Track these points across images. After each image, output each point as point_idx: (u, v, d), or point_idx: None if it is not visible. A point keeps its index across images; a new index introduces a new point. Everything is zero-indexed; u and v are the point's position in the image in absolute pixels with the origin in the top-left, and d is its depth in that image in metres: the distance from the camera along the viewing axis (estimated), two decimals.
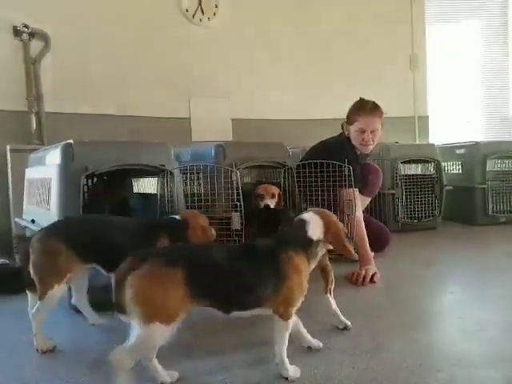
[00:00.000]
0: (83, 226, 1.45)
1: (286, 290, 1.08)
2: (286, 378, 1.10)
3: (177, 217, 1.60)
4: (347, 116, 2.25)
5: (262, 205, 2.08)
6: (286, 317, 1.09)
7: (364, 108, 2.18)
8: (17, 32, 2.88)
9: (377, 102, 2.31)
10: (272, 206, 2.08)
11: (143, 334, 0.98)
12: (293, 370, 1.11)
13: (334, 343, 1.32)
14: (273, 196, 2.12)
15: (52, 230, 1.39)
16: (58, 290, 1.34)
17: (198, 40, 3.59)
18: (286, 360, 1.11)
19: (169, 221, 1.61)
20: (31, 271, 1.34)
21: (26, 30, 2.89)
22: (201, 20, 3.61)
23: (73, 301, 1.55)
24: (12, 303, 1.87)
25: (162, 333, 0.99)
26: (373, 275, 1.99)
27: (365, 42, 4.08)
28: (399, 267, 2.27)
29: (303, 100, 3.97)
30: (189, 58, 3.54)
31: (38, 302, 1.34)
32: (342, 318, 1.41)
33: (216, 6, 3.65)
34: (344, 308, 1.46)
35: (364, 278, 1.97)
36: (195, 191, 2.13)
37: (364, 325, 1.46)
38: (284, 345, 1.11)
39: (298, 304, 1.12)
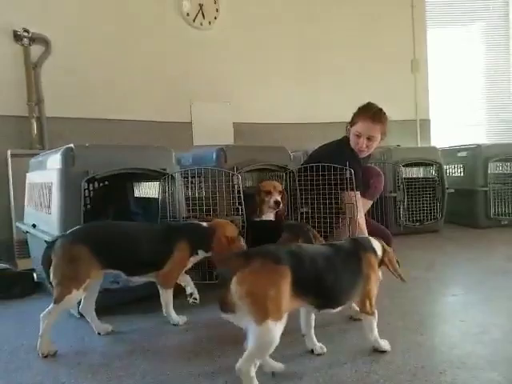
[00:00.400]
0: (105, 232, 1.48)
1: (369, 286, 1.20)
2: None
3: (204, 224, 1.61)
4: (351, 117, 2.25)
5: (270, 201, 2.05)
6: (371, 312, 1.22)
7: (366, 113, 2.17)
8: (17, 37, 2.89)
9: (378, 105, 2.30)
10: (281, 204, 2.06)
11: (260, 333, 0.99)
12: (386, 344, 1.25)
13: (337, 346, 1.31)
14: (280, 192, 2.10)
15: (75, 235, 1.41)
16: (75, 295, 1.36)
17: (199, 44, 3.60)
18: (379, 339, 1.25)
19: (192, 226, 1.63)
20: (51, 274, 1.36)
21: (27, 34, 2.90)
22: (201, 24, 3.62)
23: (80, 308, 1.54)
24: (13, 307, 1.87)
25: (276, 330, 0.99)
26: None
27: (366, 46, 4.08)
28: (401, 270, 2.25)
29: (304, 103, 3.98)
30: (190, 62, 3.55)
31: (52, 305, 1.35)
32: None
33: (217, 10, 3.66)
34: (346, 310, 1.45)
35: None
36: (197, 195, 2.12)
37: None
38: (375, 330, 1.24)
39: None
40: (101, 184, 2.43)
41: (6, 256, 2.54)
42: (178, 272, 1.56)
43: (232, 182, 2.01)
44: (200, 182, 2.13)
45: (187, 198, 2.05)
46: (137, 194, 2.42)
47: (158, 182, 2.02)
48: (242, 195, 1.93)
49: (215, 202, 2.01)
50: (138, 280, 1.59)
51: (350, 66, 4.03)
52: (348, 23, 4.07)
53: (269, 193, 2.08)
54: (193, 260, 1.59)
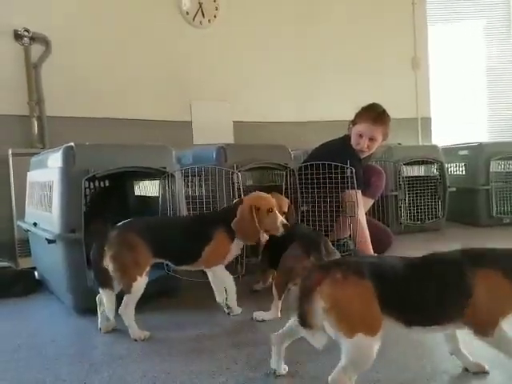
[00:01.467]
0: (153, 223, 1.60)
1: (486, 307, 0.99)
2: None
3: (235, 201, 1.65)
4: (354, 117, 2.25)
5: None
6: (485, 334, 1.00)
7: (369, 114, 2.17)
8: (18, 36, 2.89)
9: (378, 103, 2.30)
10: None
11: (351, 349, 0.94)
12: None
13: (337, 345, 1.31)
14: (284, 212, 1.83)
15: (127, 227, 1.49)
16: (140, 282, 1.42)
17: (199, 42, 3.59)
18: None
19: (226, 209, 1.67)
20: (110, 266, 1.40)
21: (27, 34, 2.90)
22: (201, 23, 3.61)
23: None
24: (15, 306, 1.87)
25: (370, 344, 0.93)
26: None
27: (366, 44, 4.07)
28: None
29: (305, 102, 3.97)
30: (190, 61, 3.55)
31: (126, 296, 1.41)
32: None
33: (216, 9, 3.65)
34: None
35: None
36: (197, 193, 2.12)
37: None
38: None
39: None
40: (101, 182, 2.43)
41: (7, 254, 2.54)
42: (217, 256, 1.56)
43: (232, 180, 2.01)
44: (200, 181, 2.13)
45: (187, 197, 2.05)
46: (137, 192, 2.42)
47: (158, 181, 2.02)
48: (242, 193, 1.93)
49: (215, 201, 2.01)
50: (187, 269, 1.66)
51: (350, 63, 4.02)
52: (348, 21, 4.06)
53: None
54: (236, 246, 1.58)
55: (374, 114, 2.16)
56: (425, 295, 0.99)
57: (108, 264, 1.41)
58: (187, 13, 3.54)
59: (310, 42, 3.99)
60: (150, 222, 1.61)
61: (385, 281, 0.98)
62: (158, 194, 2.05)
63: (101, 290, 1.44)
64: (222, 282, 1.58)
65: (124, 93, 3.27)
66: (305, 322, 0.96)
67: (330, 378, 0.95)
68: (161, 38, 3.43)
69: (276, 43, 3.87)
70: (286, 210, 1.86)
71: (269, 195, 1.62)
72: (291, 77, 3.94)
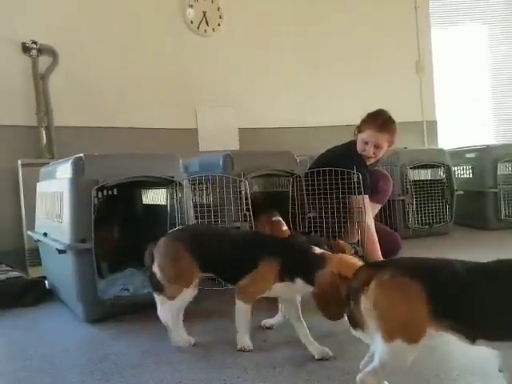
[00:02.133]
0: (203, 235, 1.48)
1: None
2: None
3: (316, 250, 1.31)
4: (360, 123, 2.25)
5: None
6: None
7: (375, 121, 2.16)
8: (26, 48, 2.94)
9: (383, 107, 2.30)
10: None
11: (387, 352, 0.89)
12: None
13: (347, 352, 1.30)
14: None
15: (176, 236, 1.44)
16: (187, 293, 1.38)
17: (204, 51, 3.62)
18: None
19: (295, 245, 1.42)
20: (158, 274, 1.38)
21: (35, 46, 2.95)
22: (205, 31, 3.65)
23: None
24: (26, 315, 1.89)
25: (406, 352, 0.89)
26: None
27: (369, 49, 4.08)
28: None
29: (309, 107, 3.99)
30: (195, 69, 3.58)
31: (169, 302, 1.38)
32: None
33: (220, 17, 3.69)
34: None
35: None
36: (204, 201, 2.13)
37: None
38: None
39: None
40: (109, 191, 2.45)
41: (17, 264, 2.56)
42: (255, 289, 1.35)
43: (239, 188, 2.02)
44: (207, 189, 2.14)
45: (195, 205, 2.06)
46: (144, 200, 2.44)
47: (165, 189, 2.04)
48: (249, 201, 1.94)
49: (223, 209, 2.02)
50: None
51: (354, 68, 4.03)
52: (351, 26, 4.08)
53: None
54: (282, 287, 1.31)
55: (379, 121, 2.15)
56: (503, 306, 0.87)
57: (156, 271, 1.39)
58: (191, 22, 3.58)
59: (313, 49, 4.01)
60: (199, 233, 1.50)
61: (440, 285, 0.90)
62: (165, 203, 2.07)
63: (154, 295, 1.42)
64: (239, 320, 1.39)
65: (130, 102, 3.31)
66: (353, 322, 0.95)
67: (358, 378, 0.93)
68: (166, 46, 3.47)
69: (279, 50, 3.90)
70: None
71: (355, 259, 1.27)
72: (295, 83, 3.96)
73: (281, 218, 2.09)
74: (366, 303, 0.91)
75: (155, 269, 1.39)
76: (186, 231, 1.52)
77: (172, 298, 1.37)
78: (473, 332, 0.90)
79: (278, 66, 3.89)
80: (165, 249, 1.39)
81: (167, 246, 1.40)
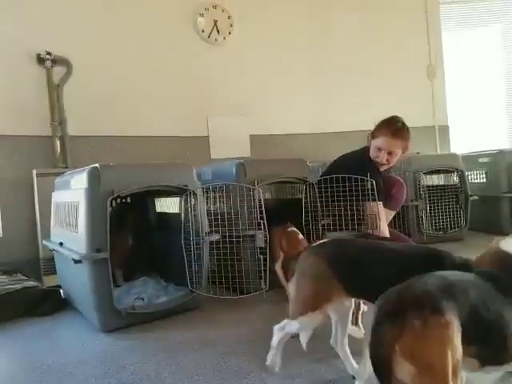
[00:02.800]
0: (353, 250, 1.20)
1: None
2: None
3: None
4: (373, 129, 2.24)
5: None
6: None
7: (388, 128, 2.15)
8: (40, 59, 2.98)
9: (395, 112, 2.28)
10: None
11: None
12: None
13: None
14: None
15: (319, 252, 1.21)
16: (310, 318, 1.16)
17: (214, 59, 3.64)
18: None
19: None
20: (291, 288, 1.22)
21: (49, 57, 2.99)
22: (216, 40, 3.67)
23: (331, 341, 1.27)
24: (42, 325, 1.90)
25: None
26: None
27: (380, 54, 4.07)
28: None
29: (320, 113, 3.98)
30: (206, 77, 3.60)
31: (286, 320, 1.20)
32: None
33: (231, 25, 3.71)
34: None
35: None
36: (218, 210, 2.13)
37: None
38: None
39: None
40: (122, 200, 2.47)
41: (32, 273, 2.59)
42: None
43: (253, 196, 2.02)
44: (221, 197, 2.14)
45: (208, 213, 2.06)
46: (157, 209, 2.45)
47: (178, 198, 2.05)
48: (263, 209, 1.93)
49: (236, 217, 2.02)
50: None
51: (365, 74, 4.02)
52: (361, 31, 4.07)
53: None
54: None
55: (393, 127, 2.14)
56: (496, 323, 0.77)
57: (289, 284, 1.23)
58: (202, 30, 3.61)
59: (323, 54, 4.01)
60: (349, 247, 1.22)
61: (462, 308, 0.76)
62: (178, 211, 2.08)
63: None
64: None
65: (142, 111, 3.33)
66: None
67: None
68: (178, 55, 3.50)
69: (290, 56, 3.91)
70: None
71: None
72: (306, 89, 3.96)
73: (295, 228, 2.08)
74: (407, 366, 0.73)
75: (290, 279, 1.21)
76: (333, 245, 1.24)
77: (293, 317, 1.18)
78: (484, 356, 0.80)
79: (288, 73, 3.90)
80: (304, 264, 1.19)
81: (307, 261, 1.19)
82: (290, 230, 2.06)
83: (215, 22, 3.66)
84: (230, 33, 3.70)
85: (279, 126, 3.83)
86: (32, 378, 1.37)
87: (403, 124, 2.15)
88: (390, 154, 2.15)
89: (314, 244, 1.27)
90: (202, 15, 3.61)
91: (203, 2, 3.61)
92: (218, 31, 3.67)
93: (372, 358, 0.75)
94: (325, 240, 1.27)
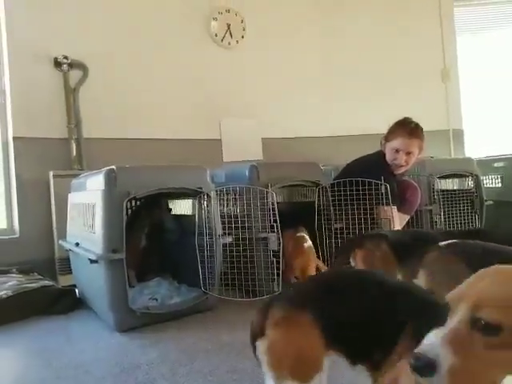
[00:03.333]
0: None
1: None
2: None
3: None
4: (386, 132, 2.24)
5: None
6: None
7: (404, 128, 2.15)
8: (57, 63, 3.03)
9: (408, 116, 2.28)
10: None
11: None
12: None
13: None
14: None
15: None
16: None
17: (227, 63, 3.67)
18: None
19: None
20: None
21: (66, 61, 3.04)
22: (229, 43, 3.70)
23: None
24: (58, 323, 1.93)
25: None
26: None
27: (394, 57, 4.06)
28: None
29: (333, 117, 3.97)
30: (218, 81, 3.62)
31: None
32: None
33: (244, 29, 3.73)
34: None
35: None
36: (232, 212, 2.15)
37: None
38: None
39: None
40: (136, 202, 2.50)
41: (47, 272, 2.63)
42: None
43: (266, 199, 2.02)
44: (234, 199, 2.16)
45: (222, 215, 2.08)
46: (170, 210, 2.47)
47: (190, 200, 2.07)
48: (276, 212, 1.94)
49: (250, 219, 2.03)
50: None
51: (378, 77, 4.01)
52: (375, 34, 4.06)
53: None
54: None
55: (408, 128, 2.14)
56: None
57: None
58: (216, 34, 3.64)
59: (336, 57, 4.01)
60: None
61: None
62: (191, 213, 2.10)
63: None
64: None
65: (156, 114, 3.37)
66: None
67: None
68: (191, 59, 3.53)
69: (302, 59, 3.92)
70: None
71: None
72: (318, 92, 3.96)
73: (305, 234, 2.08)
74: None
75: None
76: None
77: None
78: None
79: (301, 77, 3.91)
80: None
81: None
82: (298, 234, 2.06)
83: (228, 25, 3.68)
84: (242, 36, 3.73)
85: (291, 129, 3.84)
86: (49, 374, 1.39)
87: (417, 124, 2.17)
88: (407, 154, 2.15)
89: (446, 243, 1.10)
90: (215, 19, 3.64)
91: (216, 6, 3.64)
92: (231, 35, 3.70)
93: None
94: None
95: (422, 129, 2.18)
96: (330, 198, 2.23)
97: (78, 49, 3.09)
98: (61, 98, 3.04)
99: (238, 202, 2.11)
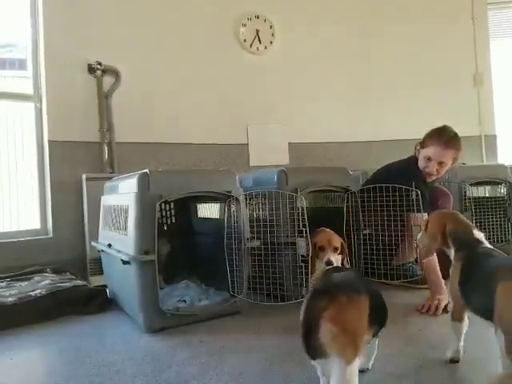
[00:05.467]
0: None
1: None
2: None
3: None
4: (423, 138, 2.20)
5: (324, 260, 1.69)
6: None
7: (439, 137, 2.11)
8: (91, 69, 3.13)
9: (439, 121, 2.23)
10: (335, 264, 1.66)
11: None
12: None
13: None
14: (336, 249, 1.72)
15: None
16: None
17: (255, 68, 3.70)
18: None
19: None
20: None
21: (99, 66, 3.13)
22: (258, 49, 3.73)
23: None
24: (90, 323, 1.98)
25: None
26: (446, 305, 1.90)
27: (424, 61, 3.99)
28: None
29: (361, 122, 3.94)
30: (246, 86, 3.66)
31: None
32: None
33: (272, 35, 3.76)
34: (417, 339, 1.39)
35: (436, 307, 1.88)
36: (261, 216, 2.15)
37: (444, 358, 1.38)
38: None
39: None
40: (167, 205, 2.55)
41: (79, 273, 2.70)
42: None
43: (295, 203, 2.02)
44: (263, 204, 2.16)
45: (250, 220, 2.09)
46: (198, 214, 2.50)
47: (218, 204, 2.09)
48: (306, 217, 1.94)
49: (278, 224, 2.03)
50: None
51: (408, 82, 3.96)
52: (405, 39, 4.01)
53: (321, 248, 1.75)
54: None
55: (445, 137, 2.09)
56: None
57: None
58: (245, 40, 3.67)
59: (365, 62, 3.98)
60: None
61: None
62: (218, 216, 2.12)
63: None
64: None
65: (185, 119, 3.42)
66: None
67: None
68: (220, 65, 3.58)
69: (330, 65, 3.90)
70: (339, 245, 1.74)
71: None
72: (347, 97, 3.94)
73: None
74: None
75: None
76: None
77: None
78: None
79: (329, 81, 3.90)
80: None
81: None
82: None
83: (257, 31, 3.72)
84: (271, 42, 3.75)
85: (318, 134, 3.83)
86: (83, 372, 1.43)
87: (455, 134, 2.11)
88: (439, 164, 2.10)
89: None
90: (244, 25, 3.68)
91: (246, 12, 3.68)
92: (260, 41, 3.73)
93: (304, 322, 0.96)
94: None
95: (459, 139, 2.12)
96: (359, 204, 2.21)
97: (111, 55, 3.18)
98: (94, 103, 3.13)
99: (266, 207, 2.11)
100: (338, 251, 1.73)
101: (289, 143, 3.77)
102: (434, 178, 2.18)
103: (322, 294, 0.98)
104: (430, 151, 2.10)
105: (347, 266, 1.77)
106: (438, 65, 3.99)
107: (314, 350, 0.93)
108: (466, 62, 4.11)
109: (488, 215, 3.06)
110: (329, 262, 1.66)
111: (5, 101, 3.12)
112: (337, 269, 1.49)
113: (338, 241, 1.75)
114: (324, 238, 1.75)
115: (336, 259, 1.69)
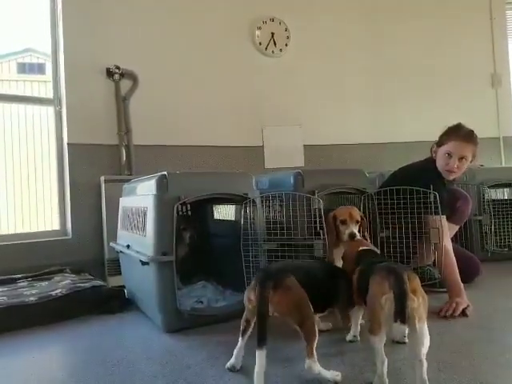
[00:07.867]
0: None
1: None
2: None
3: None
4: (439, 137, 2.18)
5: (345, 234, 1.81)
6: None
7: (458, 132, 2.09)
8: (109, 73, 3.18)
9: (458, 122, 2.21)
10: (358, 236, 1.79)
11: None
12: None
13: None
14: (357, 222, 1.85)
15: None
16: None
17: (271, 71, 3.72)
18: None
19: None
20: None
21: (118, 70, 3.19)
22: (273, 52, 3.74)
23: None
24: (108, 323, 2.01)
25: None
26: (464, 308, 1.87)
27: (442, 61, 3.96)
28: (492, 299, 2.10)
29: (377, 124, 3.92)
30: (262, 89, 3.67)
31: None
32: None
33: (288, 38, 3.77)
34: (437, 344, 1.38)
35: (454, 310, 1.86)
36: (278, 218, 2.16)
37: (465, 363, 1.37)
38: None
39: None
40: (183, 207, 2.57)
41: (97, 273, 2.75)
42: None
43: (312, 205, 2.02)
44: (280, 206, 2.17)
45: (267, 222, 2.10)
46: (214, 216, 2.52)
47: (234, 206, 2.10)
48: (323, 219, 1.93)
49: (295, 226, 2.04)
50: None
51: (425, 82, 3.92)
52: (423, 39, 3.98)
53: (344, 222, 1.84)
54: None
55: (463, 132, 2.08)
56: None
57: None
58: (260, 43, 3.69)
59: (380, 63, 3.96)
60: None
61: None
62: (234, 218, 2.13)
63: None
64: None
65: (201, 121, 3.46)
66: None
67: None
68: (236, 68, 3.60)
69: (346, 67, 3.90)
70: (359, 218, 1.88)
71: None
72: (363, 99, 3.92)
73: None
74: None
75: None
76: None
77: None
78: None
79: (344, 83, 3.89)
80: None
81: None
82: None
83: (272, 34, 3.73)
84: (286, 45, 3.77)
85: (333, 136, 3.82)
86: (104, 370, 1.46)
87: (472, 130, 2.09)
88: (460, 160, 2.08)
89: None
90: (259, 28, 3.70)
91: (261, 15, 3.70)
92: (275, 43, 3.74)
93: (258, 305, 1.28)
94: None
95: (476, 136, 2.11)
96: (376, 206, 2.20)
97: (129, 59, 3.24)
98: (112, 106, 3.19)
99: (283, 209, 2.12)
100: (359, 224, 1.85)
101: (304, 145, 3.77)
102: (454, 175, 2.15)
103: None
104: (449, 147, 2.08)
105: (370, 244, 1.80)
106: (455, 65, 3.95)
107: None
108: (484, 62, 4.06)
109: (507, 218, 3.01)
110: (352, 235, 1.78)
111: (26, 104, 3.20)
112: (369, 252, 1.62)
113: (358, 214, 1.87)
114: (345, 212, 1.86)
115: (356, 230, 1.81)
